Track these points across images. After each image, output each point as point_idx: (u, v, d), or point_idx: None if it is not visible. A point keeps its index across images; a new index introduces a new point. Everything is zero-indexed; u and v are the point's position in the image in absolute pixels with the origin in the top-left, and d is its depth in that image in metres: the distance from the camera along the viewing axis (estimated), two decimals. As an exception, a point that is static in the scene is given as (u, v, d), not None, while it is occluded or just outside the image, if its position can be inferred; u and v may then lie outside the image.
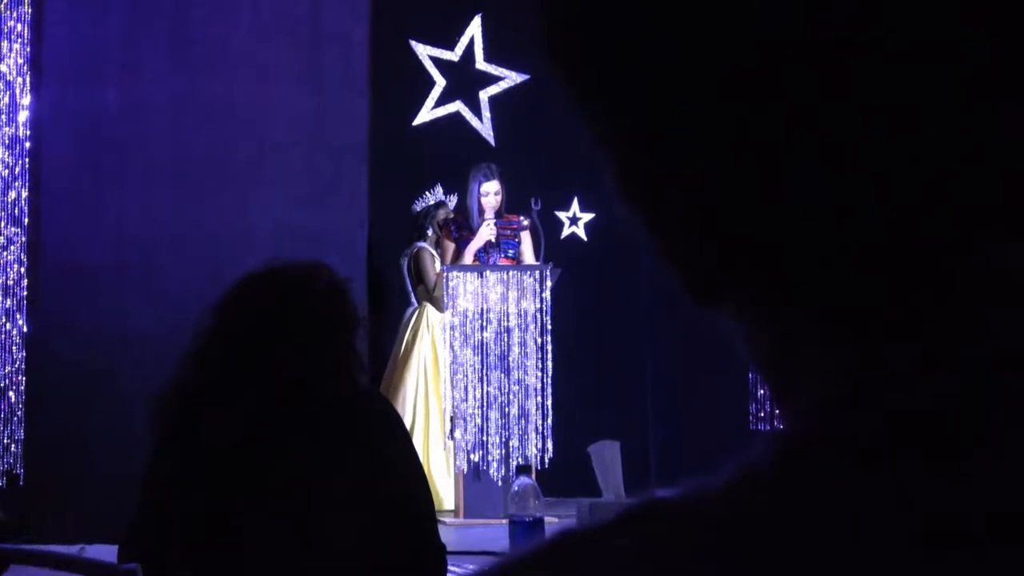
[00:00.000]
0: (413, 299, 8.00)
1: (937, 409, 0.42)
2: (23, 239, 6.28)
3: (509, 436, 6.85)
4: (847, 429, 0.43)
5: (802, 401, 0.47)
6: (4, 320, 6.23)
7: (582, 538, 0.45)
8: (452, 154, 8.15)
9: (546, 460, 6.79)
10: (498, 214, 7.22)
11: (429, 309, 7.85)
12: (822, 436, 0.44)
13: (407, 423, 7.34)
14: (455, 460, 6.93)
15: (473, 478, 6.83)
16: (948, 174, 0.43)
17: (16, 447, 6.15)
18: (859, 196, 0.44)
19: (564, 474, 6.81)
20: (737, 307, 0.49)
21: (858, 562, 0.40)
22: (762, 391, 6.95)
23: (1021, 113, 0.43)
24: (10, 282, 6.24)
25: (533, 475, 6.05)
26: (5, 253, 6.23)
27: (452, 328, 6.94)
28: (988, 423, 0.41)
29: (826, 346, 0.46)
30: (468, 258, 7.18)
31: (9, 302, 6.22)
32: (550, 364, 6.88)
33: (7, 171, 6.25)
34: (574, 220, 8.83)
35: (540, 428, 6.84)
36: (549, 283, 6.89)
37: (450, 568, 2.61)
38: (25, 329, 6.25)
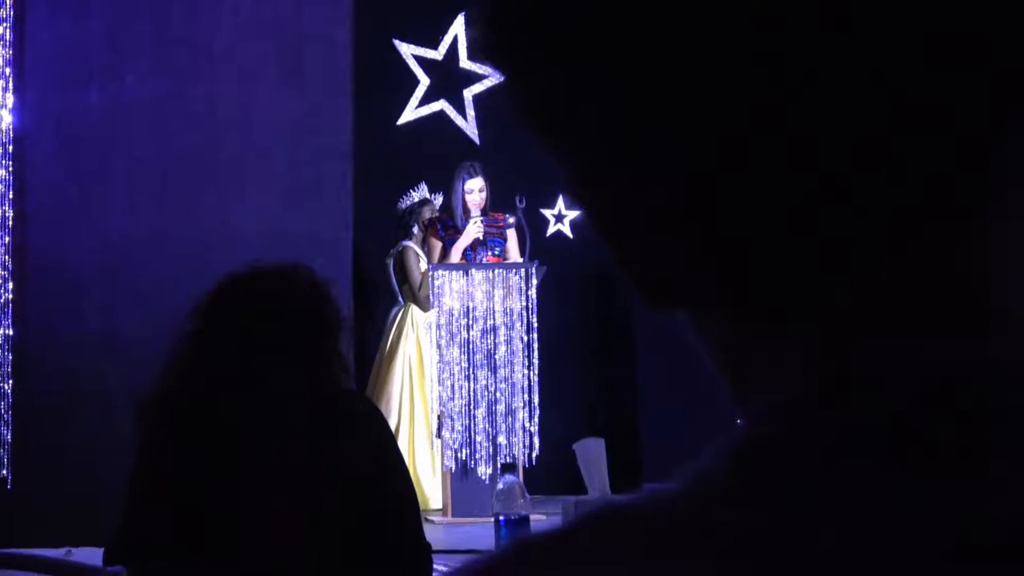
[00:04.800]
0: (400, 298, 7.99)
1: (902, 410, 0.41)
2: (7, 241, 6.27)
3: (496, 434, 6.85)
4: (809, 431, 0.42)
5: (763, 403, 0.45)
6: (-11, 323, 6.22)
7: (536, 545, 0.44)
8: (437, 153, 8.15)
9: (533, 458, 6.79)
10: (483, 211, 7.21)
11: (414, 308, 7.84)
12: (784, 438, 0.43)
13: (392, 422, 7.35)
14: (443, 458, 6.94)
15: (461, 476, 6.83)
16: (916, 173, 0.42)
17: (3, 450, 6.13)
18: (822, 193, 0.43)
19: (551, 472, 6.82)
20: (694, 308, 0.48)
21: (821, 568, 0.39)
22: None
23: (984, 114, 0.42)
24: (-6, 285, 6.23)
25: (520, 473, 6.06)
26: (-11, 256, 6.22)
27: (438, 327, 6.94)
28: (953, 425, 0.40)
29: (789, 346, 0.45)
30: (455, 256, 7.17)
31: (-6, 305, 6.21)
32: (536, 362, 6.88)
33: (-10, 174, 6.24)
34: (559, 218, 8.83)
35: (527, 426, 6.84)
36: (535, 281, 6.89)
37: (436, 567, 2.62)
38: (10, 332, 6.23)
